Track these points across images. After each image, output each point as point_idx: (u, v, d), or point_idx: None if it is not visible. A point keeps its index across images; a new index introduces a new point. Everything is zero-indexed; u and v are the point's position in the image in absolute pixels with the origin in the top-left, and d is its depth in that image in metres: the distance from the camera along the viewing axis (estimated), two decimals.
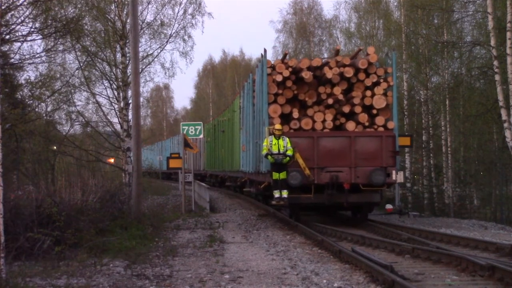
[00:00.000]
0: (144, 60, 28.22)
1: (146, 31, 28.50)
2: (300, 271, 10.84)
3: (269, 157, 16.87)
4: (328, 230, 16.31)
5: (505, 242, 13.82)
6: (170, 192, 36.62)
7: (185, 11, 29.13)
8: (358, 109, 17.77)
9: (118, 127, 28.02)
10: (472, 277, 10.10)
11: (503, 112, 24.56)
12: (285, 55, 19.03)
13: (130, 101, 24.51)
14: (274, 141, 16.87)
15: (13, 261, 11.04)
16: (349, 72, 17.84)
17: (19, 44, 21.06)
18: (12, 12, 19.63)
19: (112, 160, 31.84)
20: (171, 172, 48.27)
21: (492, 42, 24.85)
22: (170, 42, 28.97)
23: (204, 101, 73.39)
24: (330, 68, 17.87)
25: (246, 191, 25.81)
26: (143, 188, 19.09)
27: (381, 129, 17.70)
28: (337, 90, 17.90)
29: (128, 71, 26.36)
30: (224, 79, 69.20)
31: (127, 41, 26.12)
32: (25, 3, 19.78)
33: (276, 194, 16.99)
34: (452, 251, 12.09)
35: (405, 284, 8.95)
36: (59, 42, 23.03)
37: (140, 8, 26.16)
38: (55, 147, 27.42)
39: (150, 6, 28.96)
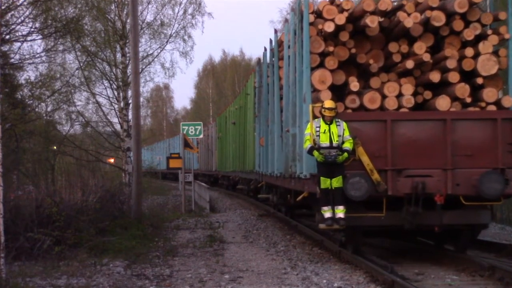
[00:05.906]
0: (144, 60, 28.29)
1: (146, 31, 28.59)
2: (300, 271, 10.84)
3: (315, 152, 10.97)
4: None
5: (505, 242, 13.83)
6: (170, 192, 36.64)
7: (185, 11, 29.21)
8: (453, 76, 11.39)
9: (118, 127, 28.06)
10: (472, 277, 10.12)
11: None
12: None
13: (130, 101, 24.52)
14: (324, 127, 10.99)
15: (13, 261, 11.03)
16: (438, 19, 11.49)
17: (19, 44, 21.11)
18: (12, 12, 19.67)
19: (112, 160, 31.87)
20: (178, 172, 45.91)
21: None
22: (170, 42, 29.08)
23: (204, 101, 73.37)
24: (408, 14, 11.51)
25: (262, 198, 20.60)
26: (143, 188, 19.07)
27: (492, 107, 11.45)
28: (420, 48, 11.50)
29: (128, 71, 26.40)
30: (224, 79, 69.25)
31: (127, 41, 26.14)
32: (25, 3, 19.83)
33: (327, 213, 11.06)
34: (452, 251, 12.10)
35: (405, 284, 8.96)
36: (59, 42, 23.08)
37: (140, 8, 26.23)
38: (55, 147, 27.45)
39: (150, 6, 29.04)
